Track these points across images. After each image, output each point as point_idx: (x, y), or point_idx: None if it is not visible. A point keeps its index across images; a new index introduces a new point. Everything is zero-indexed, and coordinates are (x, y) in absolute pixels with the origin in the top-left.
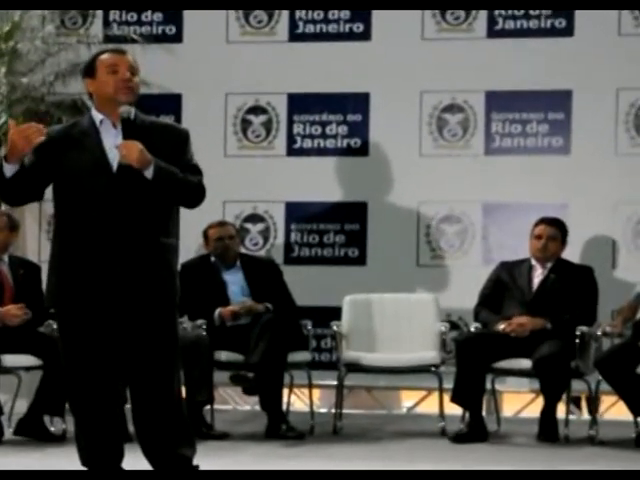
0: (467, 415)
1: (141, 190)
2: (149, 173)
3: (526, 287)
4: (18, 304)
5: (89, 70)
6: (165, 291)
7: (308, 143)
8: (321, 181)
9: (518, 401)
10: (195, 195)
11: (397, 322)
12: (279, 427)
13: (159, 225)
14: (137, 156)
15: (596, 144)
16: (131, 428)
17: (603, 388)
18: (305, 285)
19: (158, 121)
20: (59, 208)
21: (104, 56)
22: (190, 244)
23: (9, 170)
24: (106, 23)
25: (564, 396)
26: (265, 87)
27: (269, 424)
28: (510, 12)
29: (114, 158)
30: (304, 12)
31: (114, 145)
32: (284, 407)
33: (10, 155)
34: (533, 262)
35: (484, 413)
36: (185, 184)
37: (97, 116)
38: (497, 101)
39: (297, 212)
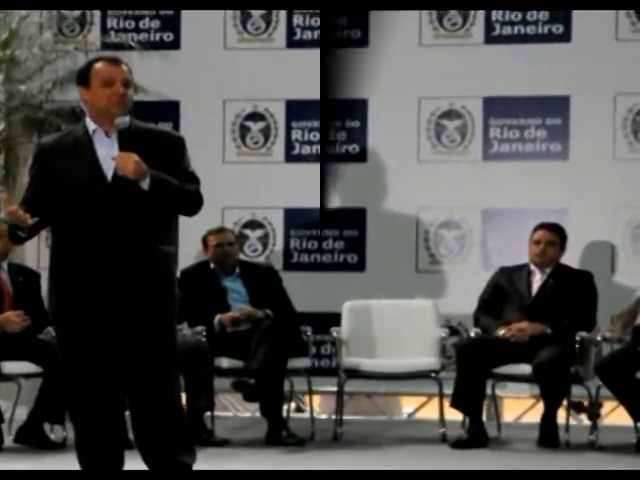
0: (467, 421)
1: (137, 200)
2: (145, 184)
3: (525, 292)
4: (17, 311)
5: (83, 79)
6: (164, 299)
7: (306, 149)
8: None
9: (518, 406)
10: (192, 204)
11: (397, 328)
12: (279, 433)
13: (157, 233)
14: (133, 168)
15: (594, 149)
16: (131, 435)
17: (603, 393)
18: (304, 291)
19: (153, 128)
20: (56, 218)
21: (99, 66)
22: (189, 251)
23: (22, 233)
24: (104, 30)
25: (564, 401)
26: (263, 93)
27: (269, 430)
28: (507, 18)
29: (108, 168)
30: (301, 19)
31: (108, 155)
32: (284, 413)
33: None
34: (532, 267)
35: (484, 419)
36: (182, 193)
37: (91, 125)
38: (495, 107)
39: (296, 218)
